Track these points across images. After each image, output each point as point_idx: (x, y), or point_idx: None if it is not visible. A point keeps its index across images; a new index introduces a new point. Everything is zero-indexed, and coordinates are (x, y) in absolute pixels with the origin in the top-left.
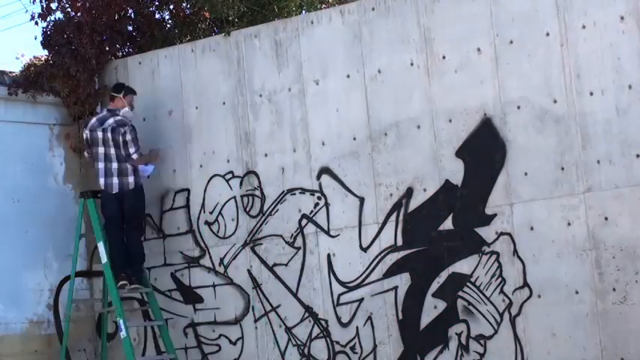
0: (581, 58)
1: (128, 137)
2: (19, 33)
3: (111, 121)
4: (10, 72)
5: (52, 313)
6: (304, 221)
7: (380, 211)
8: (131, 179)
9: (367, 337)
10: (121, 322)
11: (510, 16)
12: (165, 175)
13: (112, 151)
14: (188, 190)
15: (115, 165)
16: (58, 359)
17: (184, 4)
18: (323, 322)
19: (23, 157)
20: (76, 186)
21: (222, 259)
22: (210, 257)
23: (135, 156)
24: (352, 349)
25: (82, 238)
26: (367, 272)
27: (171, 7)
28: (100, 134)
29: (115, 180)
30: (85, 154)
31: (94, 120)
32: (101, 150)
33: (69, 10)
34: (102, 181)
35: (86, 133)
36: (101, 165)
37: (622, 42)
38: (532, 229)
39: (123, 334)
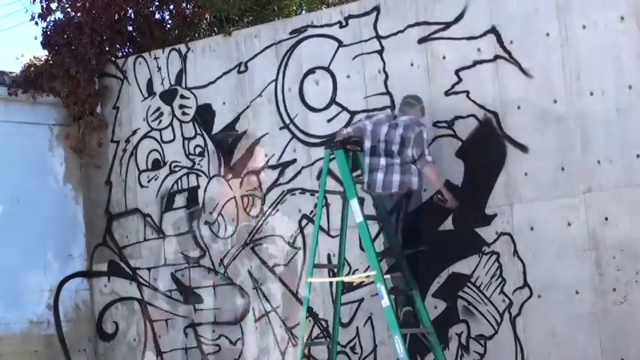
0: (581, 58)
1: (425, 135)
2: (19, 33)
3: (404, 118)
4: (10, 72)
5: (53, 314)
6: (304, 221)
7: None
8: (415, 179)
9: (367, 337)
10: (382, 288)
11: (510, 16)
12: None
13: (396, 148)
14: (188, 190)
15: (397, 160)
16: (58, 359)
17: (184, 5)
18: (323, 323)
19: (23, 157)
20: (76, 186)
21: (222, 260)
22: (211, 257)
23: (429, 158)
24: (352, 349)
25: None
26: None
27: (172, 7)
28: (384, 128)
29: (397, 177)
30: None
31: (381, 115)
32: (383, 146)
33: (69, 10)
34: (381, 176)
35: (367, 123)
36: (383, 161)
37: (622, 42)
38: (532, 229)
39: (385, 302)
